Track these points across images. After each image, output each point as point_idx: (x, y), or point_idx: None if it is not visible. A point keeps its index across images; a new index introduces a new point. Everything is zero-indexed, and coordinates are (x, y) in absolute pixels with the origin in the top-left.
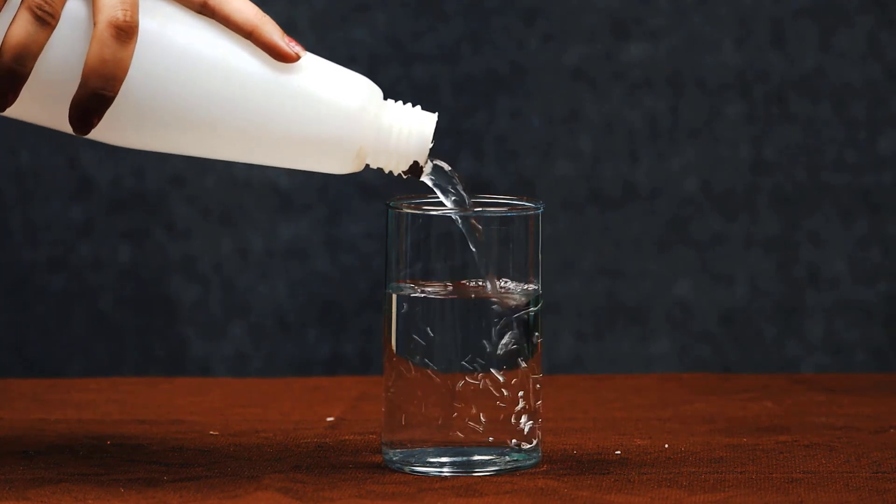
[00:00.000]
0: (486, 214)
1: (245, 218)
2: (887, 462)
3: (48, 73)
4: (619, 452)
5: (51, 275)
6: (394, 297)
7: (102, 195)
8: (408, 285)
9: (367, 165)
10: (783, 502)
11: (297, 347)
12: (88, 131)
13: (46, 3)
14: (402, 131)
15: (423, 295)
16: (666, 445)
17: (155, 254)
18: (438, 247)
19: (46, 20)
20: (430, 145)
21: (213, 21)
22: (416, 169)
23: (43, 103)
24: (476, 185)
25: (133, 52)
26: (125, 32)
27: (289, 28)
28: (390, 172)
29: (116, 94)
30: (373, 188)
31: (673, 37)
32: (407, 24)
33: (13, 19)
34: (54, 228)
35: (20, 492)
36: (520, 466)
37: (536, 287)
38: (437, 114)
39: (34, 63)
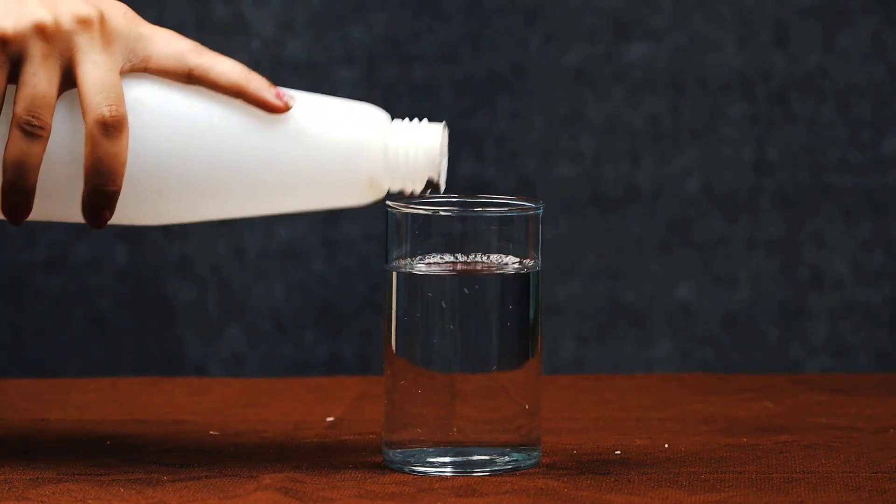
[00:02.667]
0: (486, 214)
1: (242, 219)
2: (887, 462)
3: (54, 178)
4: (619, 452)
5: (48, 275)
6: (394, 274)
7: None
8: (406, 262)
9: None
10: (783, 502)
11: (295, 349)
12: (103, 226)
13: (34, 116)
14: (409, 151)
15: (423, 272)
16: (666, 445)
17: (152, 255)
18: (438, 247)
19: (37, 133)
20: (441, 159)
21: (202, 88)
22: (433, 185)
23: (57, 205)
24: (476, 186)
25: (126, 143)
26: (114, 127)
27: (286, 29)
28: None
29: (119, 187)
30: None
31: (674, 37)
32: (406, 24)
33: (8, 138)
34: (51, 229)
35: (20, 492)
36: (520, 466)
37: (536, 261)
38: (444, 123)
39: (36, 175)
